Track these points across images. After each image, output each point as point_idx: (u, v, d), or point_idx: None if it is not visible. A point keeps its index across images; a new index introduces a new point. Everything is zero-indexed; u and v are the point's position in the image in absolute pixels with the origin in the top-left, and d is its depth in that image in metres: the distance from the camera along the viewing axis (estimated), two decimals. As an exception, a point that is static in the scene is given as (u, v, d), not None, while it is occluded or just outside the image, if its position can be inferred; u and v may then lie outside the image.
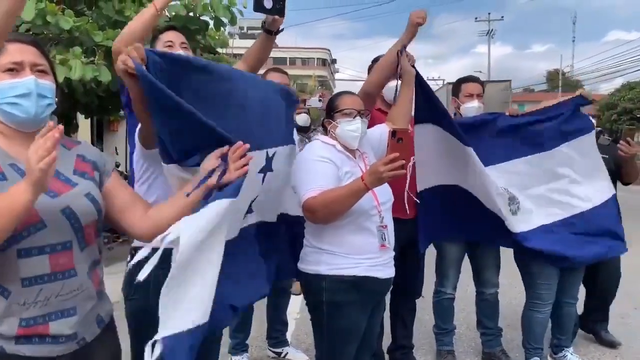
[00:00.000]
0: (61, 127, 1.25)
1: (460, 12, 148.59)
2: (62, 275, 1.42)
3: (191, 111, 1.61)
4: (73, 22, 6.06)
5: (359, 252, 2.28)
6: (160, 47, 2.37)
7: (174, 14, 7.62)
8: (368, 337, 2.47)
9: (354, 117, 2.36)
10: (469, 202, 3.13)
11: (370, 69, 3.24)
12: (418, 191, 3.12)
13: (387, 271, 2.37)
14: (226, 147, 1.65)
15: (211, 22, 7.77)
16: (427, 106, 2.95)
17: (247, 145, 1.65)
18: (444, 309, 3.59)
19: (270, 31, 2.59)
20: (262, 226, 2.27)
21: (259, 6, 2.50)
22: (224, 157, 1.64)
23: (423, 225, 3.13)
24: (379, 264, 2.32)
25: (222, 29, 8.10)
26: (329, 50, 65.51)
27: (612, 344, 3.96)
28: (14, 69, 1.43)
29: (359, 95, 2.58)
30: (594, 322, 4.04)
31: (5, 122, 1.45)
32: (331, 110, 2.43)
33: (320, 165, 2.27)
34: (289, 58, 55.56)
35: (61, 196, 1.42)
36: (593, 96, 3.57)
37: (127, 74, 1.57)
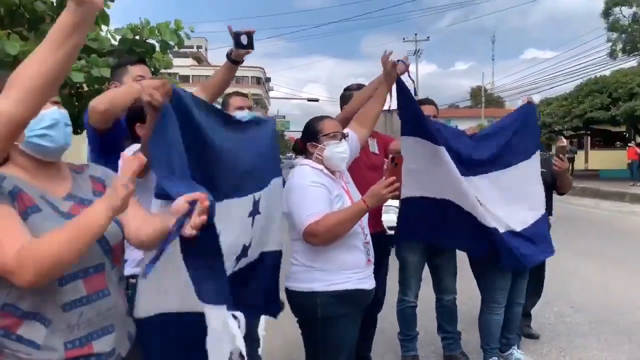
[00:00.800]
0: (142, 157, 1.38)
1: (389, 33, 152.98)
2: (97, 296, 1.52)
3: (184, 159, 1.75)
4: (20, 47, 5.98)
5: (349, 267, 2.50)
6: (129, 80, 2.51)
7: (120, 37, 7.66)
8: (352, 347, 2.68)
9: (340, 140, 2.57)
10: (450, 212, 3.36)
11: (342, 97, 3.53)
12: (403, 197, 3.29)
13: (371, 282, 2.61)
14: (198, 194, 1.49)
15: (157, 45, 7.85)
16: (413, 120, 3.18)
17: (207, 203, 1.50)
18: (407, 316, 3.84)
19: (237, 62, 2.80)
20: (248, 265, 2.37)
21: (238, 45, 2.72)
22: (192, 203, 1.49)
23: (405, 224, 3.38)
24: (365, 277, 2.56)
25: (167, 51, 8.20)
26: (262, 68, 65.73)
27: (532, 336, 4.41)
28: None
29: (338, 120, 2.81)
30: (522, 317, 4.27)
31: (34, 154, 1.53)
32: (315, 134, 2.61)
33: (315, 191, 2.45)
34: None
35: None
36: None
37: (151, 105, 1.71)
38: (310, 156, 2.64)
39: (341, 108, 3.57)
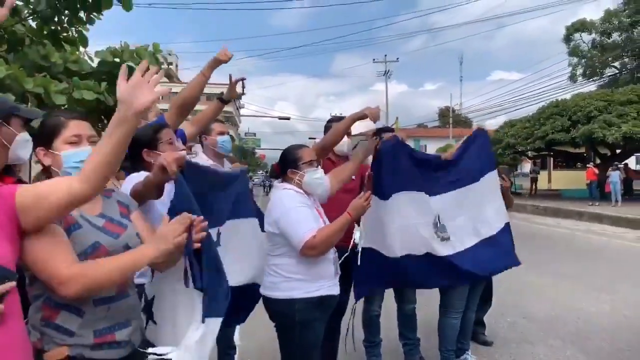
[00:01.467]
0: (193, 217, 1.85)
1: (360, 53, 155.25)
2: (121, 297, 1.87)
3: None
4: (5, 70, 6.23)
5: (322, 277, 2.91)
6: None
7: (100, 60, 7.94)
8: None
9: (316, 167, 2.98)
10: (404, 263, 3.71)
11: (326, 128, 3.93)
12: (360, 247, 3.52)
13: (337, 289, 3.01)
14: (193, 217, 1.92)
15: (135, 67, 8.14)
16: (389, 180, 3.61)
17: (206, 223, 1.99)
18: (372, 324, 4.21)
19: (225, 101, 3.28)
20: None
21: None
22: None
23: (363, 276, 3.65)
24: (333, 285, 2.97)
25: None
26: (233, 86, 65.86)
27: (485, 343, 4.84)
28: (75, 142, 1.90)
29: (316, 149, 3.21)
30: (475, 325, 4.65)
31: None
32: (295, 161, 2.98)
33: (304, 211, 2.86)
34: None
35: (121, 236, 1.88)
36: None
37: (162, 169, 2.05)
38: (290, 181, 3.01)
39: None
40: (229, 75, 3.13)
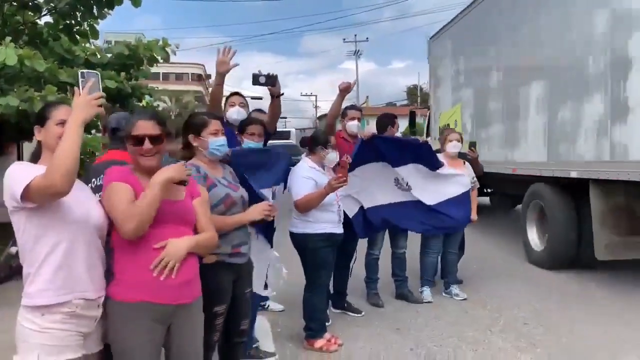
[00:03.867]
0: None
1: (329, 31, 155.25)
2: (244, 226, 3.05)
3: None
4: (45, 63, 7.17)
5: (326, 221, 4.21)
6: (228, 106, 4.31)
7: (117, 53, 8.88)
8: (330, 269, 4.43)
9: (333, 149, 4.27)
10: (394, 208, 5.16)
11: (343, 114, 5.21)
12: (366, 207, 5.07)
13: (340, 230, 4.33)
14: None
15: (145, 59, 9.13)
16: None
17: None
18: (372, 265, 5.49)
19: (273, 95, 4.11)
20: None
21: (256, 82, 3.84)
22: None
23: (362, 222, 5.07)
24: (336, 227, 4.29)
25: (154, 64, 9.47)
26: (203, 65, 65.85)
27: (457, 281, 6.03)
28: (215, 134, 2.97)
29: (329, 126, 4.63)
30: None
31: (211, 157, 3.02)
32: (325, 142, 4.25)
33: (303, 181, 4.15)
34: (162, 73, 55.20)
35: (238, 191, 3.09)
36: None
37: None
38: (313, 155, 4.29)
39: (340, 120, 5.27)
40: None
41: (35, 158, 2.31)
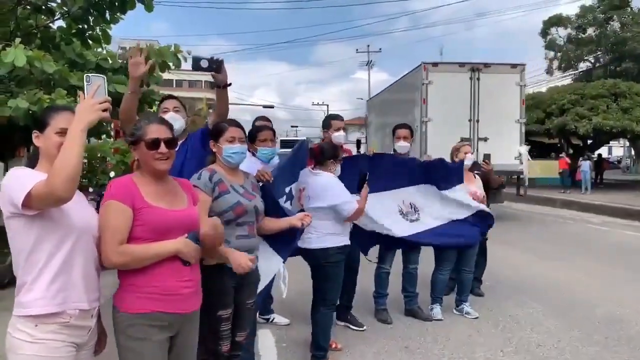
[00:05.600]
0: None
1: (341, 41, 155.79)
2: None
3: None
4: (55, 65, 7.13)
5: (343, 233, 4.14)
6: (160, 112, 3.47)
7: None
8: None
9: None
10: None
11: (323, 124, 5.01)
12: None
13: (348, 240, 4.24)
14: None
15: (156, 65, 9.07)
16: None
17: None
18: (382, 279, 5.32)
19: (218, 85, 3.28)
20: None
21: (196, 66, 3.17)
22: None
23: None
24: (347, 238, 4.19)
25: (166, 70, 9.43)
26: (216, 73, 66.07)
27: (479, 294, 6.07)
28: (231, 141, 2.94)
29: None
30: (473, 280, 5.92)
31: (226, 164, 3.01)
32: (336, 156, 4.16)
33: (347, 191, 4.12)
34: (175, 80, 55.71)
35: (252, 201, 3.00)
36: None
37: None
38: (325, 168, 4.14)
39: (322, 132, 5.02)
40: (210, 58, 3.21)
41: (31, 164, 2.23)
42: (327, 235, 4.04)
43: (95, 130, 7.72)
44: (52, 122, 2.18)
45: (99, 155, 8.11)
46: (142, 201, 2.27)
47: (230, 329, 2.97)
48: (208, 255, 2.58)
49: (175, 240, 2.29)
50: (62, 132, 2.10)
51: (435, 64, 9.50)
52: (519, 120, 8.97)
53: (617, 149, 54.41)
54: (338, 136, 4.84)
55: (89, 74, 2.20)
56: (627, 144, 40.32)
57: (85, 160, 7.14)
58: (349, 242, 4.21)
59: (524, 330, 5.06)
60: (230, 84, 3.32)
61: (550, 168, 27.63)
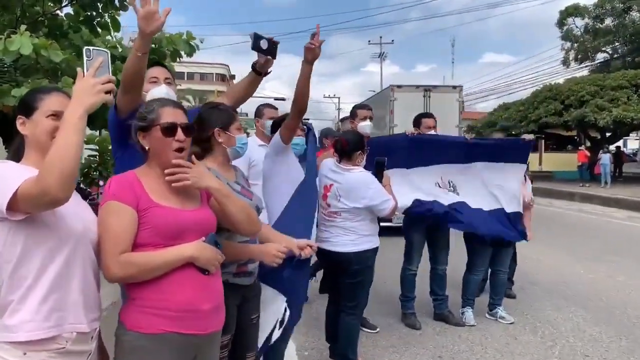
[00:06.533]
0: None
1: (353, 34, 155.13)
2: (252, 242, 2.51)
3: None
4: (62, 54, 6.80)
5: (375, 233, 3.81)
6: (146, 82, 2.59)
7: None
8: None
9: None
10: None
11: (351, 113, 4.85)
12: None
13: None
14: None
15: (168, 53, 8.73)
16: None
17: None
18: (409, 282, 4.94)
19: (260, 72, 2.93)
20: None
21: (256, 46, 2.81)
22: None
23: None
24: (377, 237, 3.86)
25: (177, 59, 9.08)
26: (227, 65, 65.90)
27: (510, 296, 5.67)
28: (240, 129, 2.51)
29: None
30: None
31: (231, 156, 2.54)
32: (363, 147, 3.80)
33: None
34: (187, 72, 55.37)
35: (252, 200, 2.56)
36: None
37: None
38: (355, 160, 3.77)
39: (349, 122, 4.91)
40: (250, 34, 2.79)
41: (16, 157, 1.83)
42: (362, 237, 3.74)
43: (103, 119, 7.40)
44: (40, 105, 1.80)
45: (108, 146, 7.81)
46: (149, 200, 1.91)
47: (231, 354, 2.50)
48: (229, 258, 2.21)
49: (189, 244, 1.91)
50: (56, 115, 1.76)
51: (399, 86, 12.76)
52: (458, 125, 12.08)
53: (631, 142, 53.53)
54: (364, 126, 4.58)
55: (90, 47, 1.77)
56: (645, 136, 39.61)
57: (96, 153, 6.81)
58: (378, 244, 3.86)
59: (565, 337, 4.66)
60: (270, 72, 3.02)
61: (568, 161, 27.13)
